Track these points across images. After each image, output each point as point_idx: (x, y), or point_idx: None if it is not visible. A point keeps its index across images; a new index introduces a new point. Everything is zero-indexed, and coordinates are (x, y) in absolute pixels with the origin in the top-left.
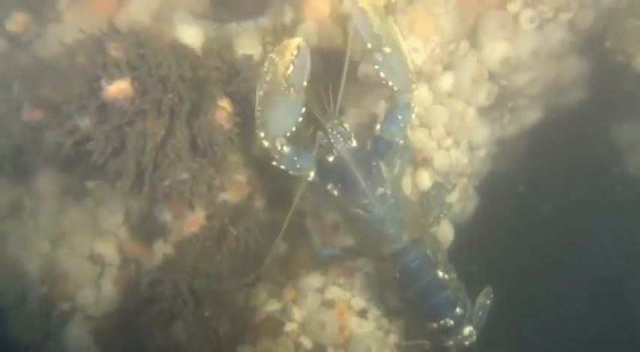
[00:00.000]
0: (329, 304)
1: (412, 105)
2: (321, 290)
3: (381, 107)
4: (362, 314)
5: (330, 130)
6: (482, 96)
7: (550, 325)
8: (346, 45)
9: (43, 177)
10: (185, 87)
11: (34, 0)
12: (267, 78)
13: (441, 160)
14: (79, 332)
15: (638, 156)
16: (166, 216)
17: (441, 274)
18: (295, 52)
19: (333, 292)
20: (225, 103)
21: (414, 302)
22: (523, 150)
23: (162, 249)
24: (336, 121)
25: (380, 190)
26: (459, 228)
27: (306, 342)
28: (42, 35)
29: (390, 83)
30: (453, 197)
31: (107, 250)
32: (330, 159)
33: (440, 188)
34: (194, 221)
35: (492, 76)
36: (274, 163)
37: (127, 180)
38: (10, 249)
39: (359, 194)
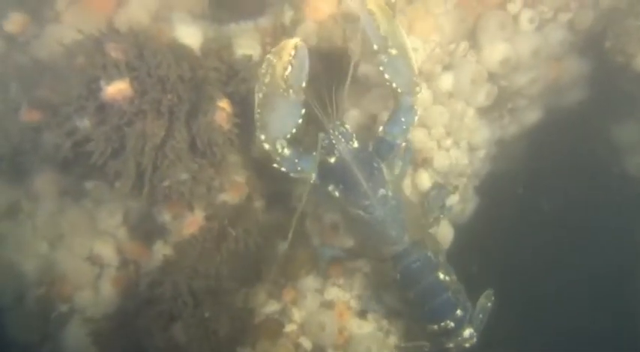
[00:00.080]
0: (328, 305)
1: (415, 107)
2: (320, 291)
3: (381, 107)
4: (362, 315)
5: (332, 131)
6: (482, 96)
7: (550, 325)
8: (346, 45)
9: (41, 178)
10: (184, 87)
11: (32, 0)
12: (266, 80)
13: (440, 160)
14: (77, 333)
15: (638, 156)
16: (165, 217)
17: (441, 276)
18: (293, 53)
19: (333, 293)
20: (224, 104)
21: (415, 304)
22: (523, 151)
23: (161, 250)
24: (337, 122)
25: (381, 191)
26: (459, 229)
27: (306, 343)
28: (40, 35)
29: (394, 85)
30: (453, 199)
31: (106, 251)
32: (332, 160)
33: (440, 189)
34: (193, 222)
35: (492, 77)
36: (275, 166)
37: (126, 181)
38: (8, 250)
39: (360, 195)
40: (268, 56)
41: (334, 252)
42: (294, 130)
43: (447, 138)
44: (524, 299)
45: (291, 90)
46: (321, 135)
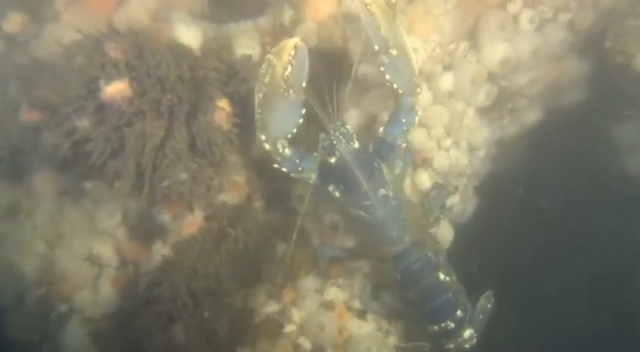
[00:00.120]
0: (328, 305)
1: (416, 108)
2: (320, 292)
3: (381, 108)
4: (361, 315)
5: (332, 132)
6: (482, 96)
7: (550, 325)
8: (346, 45)
9: (41, 178)
10: (184, 87)
11: None
12: (266, 80)
13: (440, 161)
14: (77, 333)
15: (638, 156)
16: (165, 217)
17: (442, 276)
18: (293, 53)
19: (333, 293)
20: (224, 104)
21: (415, 304)
22: (523, 151)
23: (160, 250)
24: (338, 123)
25: (382, 192)
26: (459, 229)
27: (306, 344)
28: (39, 35)
29: (395, 86)
30: (453, 199)
31: (105, 251)
32: (332, 160)
33: (440, 189)
34: (193, 222)
35: (492, 77)
36: (276, 166)
37: (126, 181)
38: (7, 250)
39: (361, 195)
40: (268, 56)
41: (334, 252)
42: (294, 130)
43: (446, 139)
44: (524, 299)
45: (291, 90)
46: (322, 135)
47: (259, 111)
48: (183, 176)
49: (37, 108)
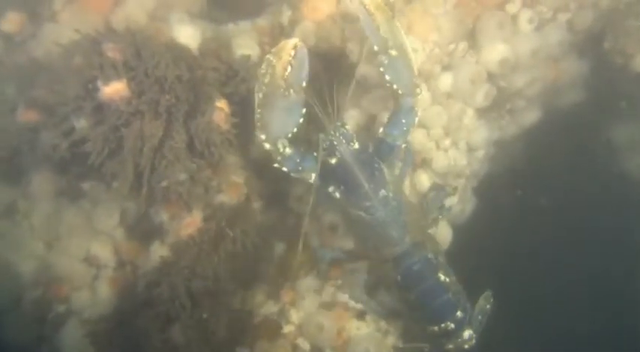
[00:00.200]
0: (327, 306)
1: (416, 109)
2: (319, 292)
3: (381, 108)
4: (360, 316)
5: (332, 132)
6: (481, 96)
7: (550, 325)
8: (345, 45)
9: (38, 179)
10: (182, 87)
11: None
12: (266, 80)
13: (439, 161)
14: (74, 334)
15: (638, 156)
16: (163, 218)
17: (442, 277)
18: (292, 53)
19: (331, 294)
20: (222, 104)
21: (415, 305)
22: (522, 151)
23: (158, 251)
24: (338, 123)
25: (382, 192)
26: (458, 229)
27: (304, 344)
28: (37, 35)
29: (395, 86)
30: (452, 199)
31: (103, 252)
32: (333, 161)
33: (439, 189)
34: (191, 222)
35: (491, 77)
36: (276, 165)
37: (124, 181)
38: (4, 250)
39: (361, 196)
40: (268, 56)
41: (334, 253)
42: (295, 130)
43: (445, 139)
44: (524, 299)
45: (291, 90)
46: (322, 136)
47: (259, 110)
48: (182, 176)
49: (34, 109)
